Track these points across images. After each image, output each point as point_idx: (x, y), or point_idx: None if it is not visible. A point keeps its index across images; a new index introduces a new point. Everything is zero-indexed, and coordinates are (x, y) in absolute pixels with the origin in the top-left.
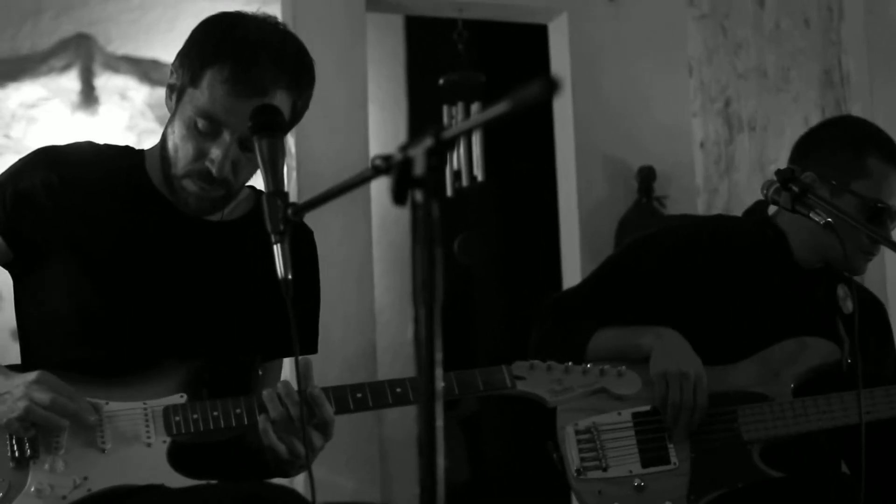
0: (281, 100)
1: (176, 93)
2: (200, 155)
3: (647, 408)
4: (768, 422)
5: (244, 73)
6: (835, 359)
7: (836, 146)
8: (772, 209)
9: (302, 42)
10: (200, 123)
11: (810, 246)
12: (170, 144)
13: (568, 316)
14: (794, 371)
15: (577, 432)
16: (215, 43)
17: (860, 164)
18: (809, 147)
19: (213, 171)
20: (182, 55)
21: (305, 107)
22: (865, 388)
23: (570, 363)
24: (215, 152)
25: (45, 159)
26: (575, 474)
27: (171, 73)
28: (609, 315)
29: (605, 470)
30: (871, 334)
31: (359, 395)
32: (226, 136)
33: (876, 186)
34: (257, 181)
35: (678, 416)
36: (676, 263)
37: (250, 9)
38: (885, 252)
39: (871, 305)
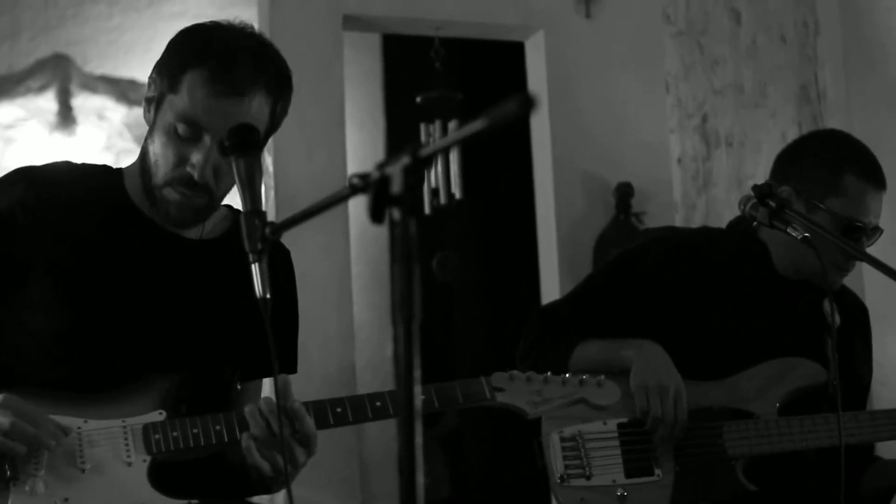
0: (260, 102)
1: (155, 102)
2: (181, 161)
3: (626, 419)
4: (753, 439)
5: (224, 73)
6: (821, 381)
7: (814, 161)
8: None
9: (278, 50)
10: (181, 128)
11: (788, 259)
12: (150, 155)
13: (554, 327)
14: (781, 391)
15: (563, 439)
16: (195, 47)
17: (836, 182)
18: (789, 160)
19: (195, 175)
20: (160, 64)
21: (284, 113)
22: (852, 403)
23: (549, 373)
24: (196, 157)
25: (23, 179)
26: (558, 481)
27: (149, 85)
28: (595, 327)
29: (588, 478)
30: (858, 339)
31: (338, 409)
32: (206, 139)
33: (851, 204)
34: (235, 201)
35: (657, 428)
36: (661, 275)
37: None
38: (864, 267)
39: (858, 312)
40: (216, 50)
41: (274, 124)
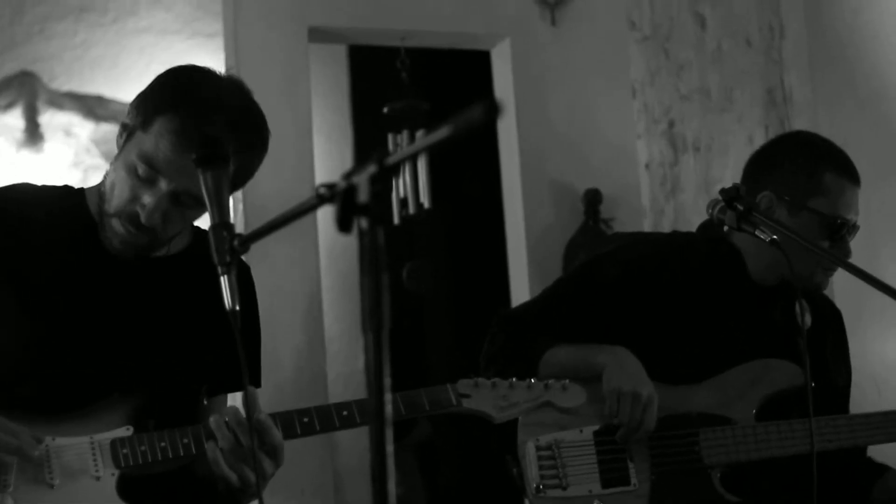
0: None
1: (126, 133)
2: (134, 198)
3: (597, 426)
4: (730, 446)
5: (193, 129)
6: (799, 382)
7: (791, 164)
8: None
9: (261, 109)
10: (140, 168)
11: (764, 263)
12: (108, 181)
13: (521, 332)
14: (759, 394)
15: (538, 448)
16: (173, 93)
17: (817, 182)
18: (763, 166)
19: (143, 217)
20: (141, 97)
21: (252, 173)
22: (826, 406)
23: (514, 379)
24: (148, 199)
25: None
26: (534, 491)
27: (129, 112)
28: (562, 332)
29: (564, 489)
30: (831, 344)
31: (305, 419)
32: (162, 185)
33: (834, 203)
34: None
35: (621, 430)
36: (632, 281)
37: (194, 44)
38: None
39: (830, 314)
40: (192, 102)
41: (237, 182)
